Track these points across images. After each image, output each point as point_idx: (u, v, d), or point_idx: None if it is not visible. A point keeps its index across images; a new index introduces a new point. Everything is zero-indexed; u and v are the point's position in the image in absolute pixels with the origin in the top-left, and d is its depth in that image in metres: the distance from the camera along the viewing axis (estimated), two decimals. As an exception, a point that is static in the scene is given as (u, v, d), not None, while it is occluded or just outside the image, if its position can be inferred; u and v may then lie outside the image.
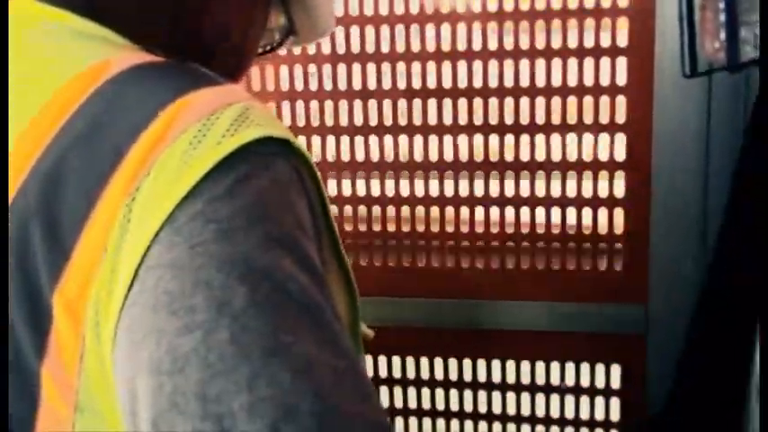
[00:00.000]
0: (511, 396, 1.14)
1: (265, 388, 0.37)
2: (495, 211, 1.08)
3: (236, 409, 0.37)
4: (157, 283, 0.41)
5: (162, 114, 0.45)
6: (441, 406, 1.17)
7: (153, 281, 0.41)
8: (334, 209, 1.13)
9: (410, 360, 1.17)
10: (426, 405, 1.18)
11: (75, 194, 0.43)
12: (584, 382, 1.12)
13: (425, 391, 1.17)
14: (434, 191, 1.10)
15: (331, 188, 1.13)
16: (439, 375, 1.16)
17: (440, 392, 1.17)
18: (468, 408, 1.16)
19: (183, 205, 0.42)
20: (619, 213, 1.05)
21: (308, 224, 0.47)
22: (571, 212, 1.06)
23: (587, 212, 1.06)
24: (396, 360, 1.17)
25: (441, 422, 1.18)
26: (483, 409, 1.16)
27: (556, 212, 1.06)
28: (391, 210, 1.12)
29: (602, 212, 1.05)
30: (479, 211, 1.09)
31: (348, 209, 1.13)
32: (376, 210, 1.12)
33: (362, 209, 1.13)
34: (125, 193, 0.42)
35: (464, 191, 1.08)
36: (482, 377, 1.15)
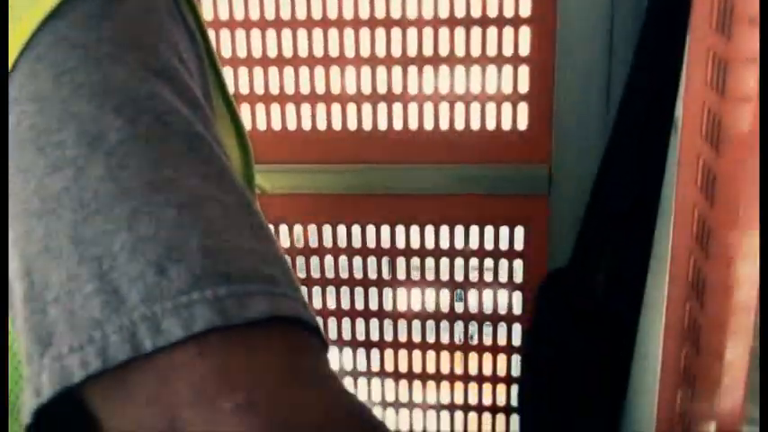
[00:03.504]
0: (415, 261, 1.14)
1: (147, 226, 0.33)
2: (397, 71, 1.04)
3: (116, 249, 0.33)
4: (20, 119, 0.36)
5: None
6: (344, 274, 1.16)
7: (15, 116, 0.36)
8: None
9: (312, 228, 1.14)
10: (330, 274, 1.16)
11: None
12: (488, 245, 1.11)
13: (328, 259, 1.15)
14: (319, 48, 1.04)
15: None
16: (342, 243, 1.14)
17: (343, 260, 1.15)
18: (373, 275, 1.15)
19: (44, 29, 0.36)
20: (523, 71, 1.03)
21: (191, 61, 0.42)
22: (475, 71, 1.03)
23: (492, 71, 1.03)
24: (297, 229, 1.14)
25: (345, 290, 1.16)
26: (387, 274, 1.15)
27: (459, 71, 1.03)
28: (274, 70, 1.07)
29: (507, 70, 1.03)
30: (381, 70, 1.04)
31: (228, 68, 1.07)
32: (258, 70, 1.07)
33: (243, 69, 1.07)
34: None
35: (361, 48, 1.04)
36: (386, 242, 1.13)
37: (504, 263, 1.12)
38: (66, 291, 0.33)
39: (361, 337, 1.18)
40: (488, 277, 1.13)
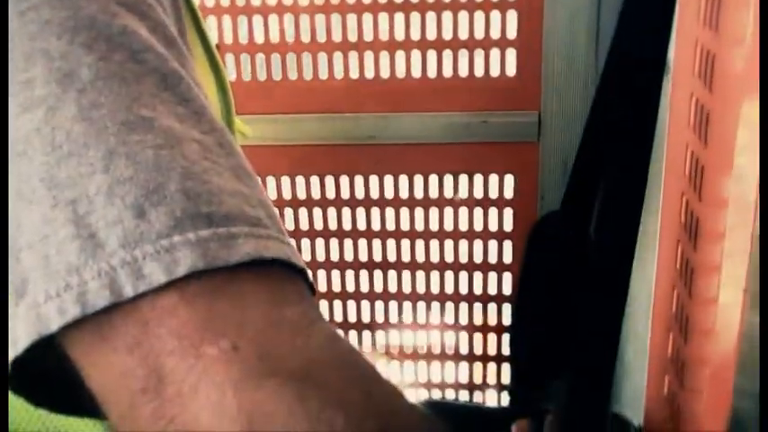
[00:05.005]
0: (405, 212, 1.12)
1: (124, 167, 0.31)
2: (383, 18, 1.02)
3: (92, 192, 0.31)
4: (-13, 60, 0.34)
5: None
6: (333, 225, 1.14)
7: (-18, 58, 0.34)
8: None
9: (300, 179, 1.12)
10: (319, 226, 1.15)
11: None
12: (478, 194, 1.10)
13: (317, 212, 1.14)
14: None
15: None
16: (330, 194, 1.13)
17: (332, 212, 1.14)
18: (362, 226, 1.14)
19: None
20: (511, 16, 1.01)
21: None
22: (463, 16, 1.01)
23: (479, 16, 1.01)
24: (285, 180, 1.13)
25: (334, 242, 1.15)
26: (377, 226, 1.14)
27: (447, 16, 1.01)
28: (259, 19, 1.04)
29: (495, 16, 1.01)
30: (367, 17, 1.02)
31: (212, 18, 1.05)
32: (242, 19, 1.05)
33: (227, 18, 1.05)
34: None
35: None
36: (375, 193, 1.12)
37: (493, 211, 1.11)
38: (41, 236, 0.31)
39: (351, 288, 1.17)
40: (478, 226, 1.12)
